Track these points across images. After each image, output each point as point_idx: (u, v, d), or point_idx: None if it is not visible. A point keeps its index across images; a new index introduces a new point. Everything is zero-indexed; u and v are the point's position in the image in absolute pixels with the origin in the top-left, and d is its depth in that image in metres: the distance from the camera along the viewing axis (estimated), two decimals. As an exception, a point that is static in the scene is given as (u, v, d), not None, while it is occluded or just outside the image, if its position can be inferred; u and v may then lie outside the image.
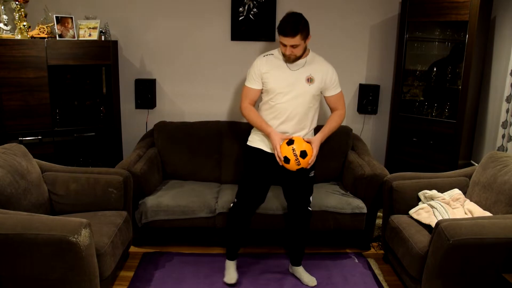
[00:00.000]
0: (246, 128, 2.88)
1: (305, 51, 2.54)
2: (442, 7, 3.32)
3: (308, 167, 2.53)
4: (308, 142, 2.50)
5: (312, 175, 2.68)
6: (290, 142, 2.43)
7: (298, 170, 2.49)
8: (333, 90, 2.63)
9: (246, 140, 2.73)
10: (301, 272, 2.82)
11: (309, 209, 2.73)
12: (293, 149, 2.40)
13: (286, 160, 2.42)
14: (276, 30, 2.47)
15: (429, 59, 3.66)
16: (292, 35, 2.37)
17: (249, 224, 2.78)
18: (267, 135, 2.55)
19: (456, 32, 3.45)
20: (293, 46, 2.41)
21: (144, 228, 3.07)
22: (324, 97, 2.67)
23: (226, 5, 3.73)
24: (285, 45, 2.43)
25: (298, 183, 2.67)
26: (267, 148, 2.62)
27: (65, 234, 2.00)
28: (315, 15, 3.81)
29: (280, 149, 2.44)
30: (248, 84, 2.62)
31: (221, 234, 3.11)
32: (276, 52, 2.59)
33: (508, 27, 3.32)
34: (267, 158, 2.61)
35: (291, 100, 2.52)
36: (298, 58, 2.51)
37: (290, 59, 2.50)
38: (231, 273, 2.75)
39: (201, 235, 3.17)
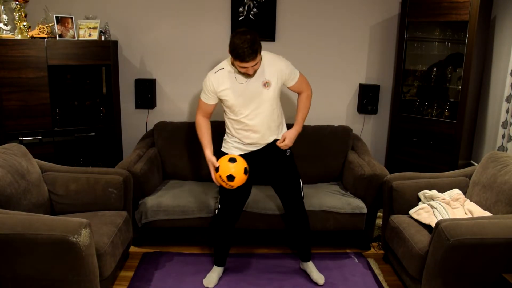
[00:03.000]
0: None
1: None
2: (442, 7, 3.32)
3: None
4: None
5: (289, 154, 2.67)
6: (217, 169, 2.44)
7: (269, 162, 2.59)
8: (293, 79, 2.58)
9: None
10: (311, 268, 2.82)
11: (302, 194, 2.71)
12: (220, 176, 2.41)
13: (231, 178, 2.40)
14: (231, 54, 2.33)
15: (429, 59, 3.66)
16: (253, 58, 2.28)
17: (234, 228, 2.77)
18: (204, 154, 2.55)
19: (456, 32, 3.45)
20: (254, 66, 2.34)
21: (144, 228, 3.07)
22: (287, 87, 2.63)
23: (226, 5, 3.73)
24: (245, 67, 2.33)
25: (281, 167, 2.65)
26: (241, 152, 2.61)
27: (65, 234, 2.00)
28: (315, 15, 3.81)
29: (217, 173, 2.44)
30: (203, 98, 2.56)
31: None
32: (227, 65, 2.49)
33: (508, 27, 3.32)
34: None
35: (254, 110, 2.48)
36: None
37: (250, 76, 2.42)
38: (212, 277, 2.74)
39: (201, 235, 3.17)
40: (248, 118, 2.50)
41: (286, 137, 2.59)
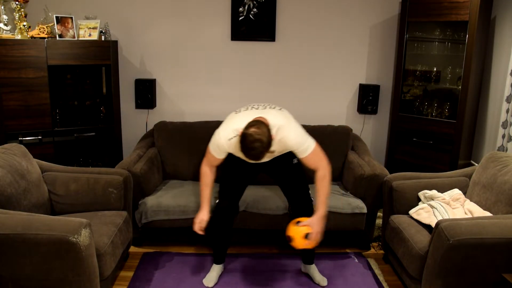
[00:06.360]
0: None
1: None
2: (442, 7, 3.32)
3: (310, 245, 2.45)
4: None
5: (295, 162, 2.64)
6: (289, 239, 2.47)
7: (282, 168, 2.63)
8: (302, 153, 2.42)
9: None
10: (313, 271, 2.81)
11: (312, 199, 2.69)
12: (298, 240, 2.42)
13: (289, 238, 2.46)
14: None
15: (429, 59, 3.66)
16: (264, 157, 2.29)
17: (232, 224, 2.75)
18: (200, 207, 2.60)
19: (456, 32, 3.46)
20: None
21: (144, 228, 3.07)
22: (300, 159, 2.51)
23: (226, 5, 3.73)
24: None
25: (288, 174, 2.66)
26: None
27: (65, 234, 2.00)
28: (315, 15, 3.82)
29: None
30: (213, 152, 2.53)
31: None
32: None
33: (508, 27, 3.32)
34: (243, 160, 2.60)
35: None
36: None
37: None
38: (212, 276, 2.74)
39: (201, 235, 3.16)
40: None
41: (312, 232, 2.38)
